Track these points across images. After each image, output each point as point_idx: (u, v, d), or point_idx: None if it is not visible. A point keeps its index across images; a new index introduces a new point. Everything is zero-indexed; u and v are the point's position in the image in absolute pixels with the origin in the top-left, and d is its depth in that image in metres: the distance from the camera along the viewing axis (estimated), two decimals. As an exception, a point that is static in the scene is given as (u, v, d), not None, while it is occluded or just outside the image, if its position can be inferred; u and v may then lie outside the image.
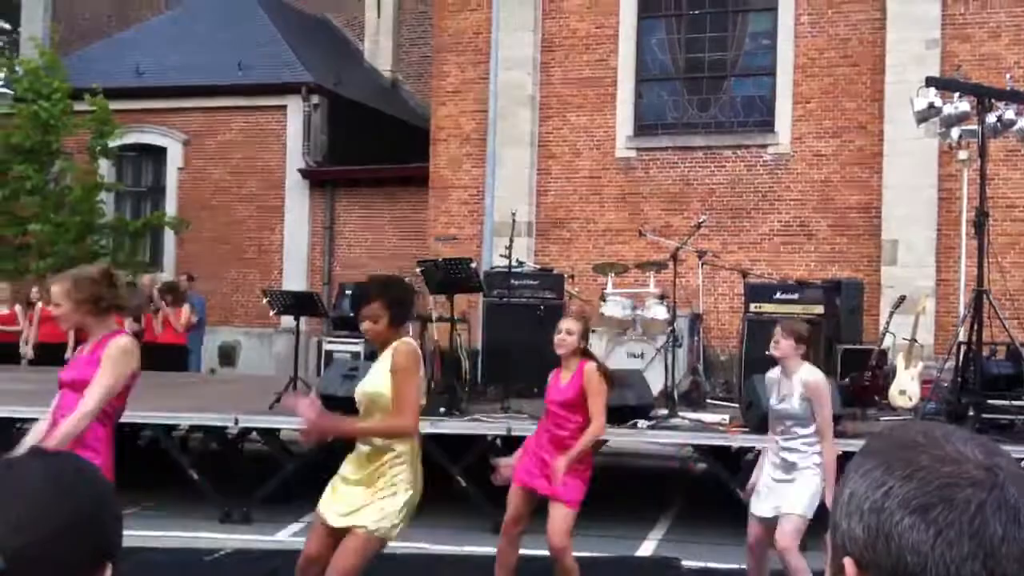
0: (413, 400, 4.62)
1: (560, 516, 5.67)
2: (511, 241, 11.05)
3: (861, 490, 1.06)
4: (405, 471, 4.66)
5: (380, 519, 4.58)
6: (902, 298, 10.52)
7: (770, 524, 5.77)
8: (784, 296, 10.83)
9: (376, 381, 4.65)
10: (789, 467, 5.77)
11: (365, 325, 4.72)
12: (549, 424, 5.93)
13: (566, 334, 5.92)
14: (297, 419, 9.38)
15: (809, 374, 5.80)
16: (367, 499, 4.62)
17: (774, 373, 6.01)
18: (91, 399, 4.40)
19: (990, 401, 8.77)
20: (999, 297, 9.55)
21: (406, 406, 4.58)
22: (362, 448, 4.69)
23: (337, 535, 4.65)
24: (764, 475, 5.94)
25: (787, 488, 5.74)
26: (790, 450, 5.80)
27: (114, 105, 17.89)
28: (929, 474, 1.02)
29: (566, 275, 11.57)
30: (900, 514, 1.02)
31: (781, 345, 5.78)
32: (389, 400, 4.58)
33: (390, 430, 4.62)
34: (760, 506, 5.85)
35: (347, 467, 4.79)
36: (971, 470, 1.03)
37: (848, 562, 1.05)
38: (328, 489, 4.84)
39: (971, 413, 8.77)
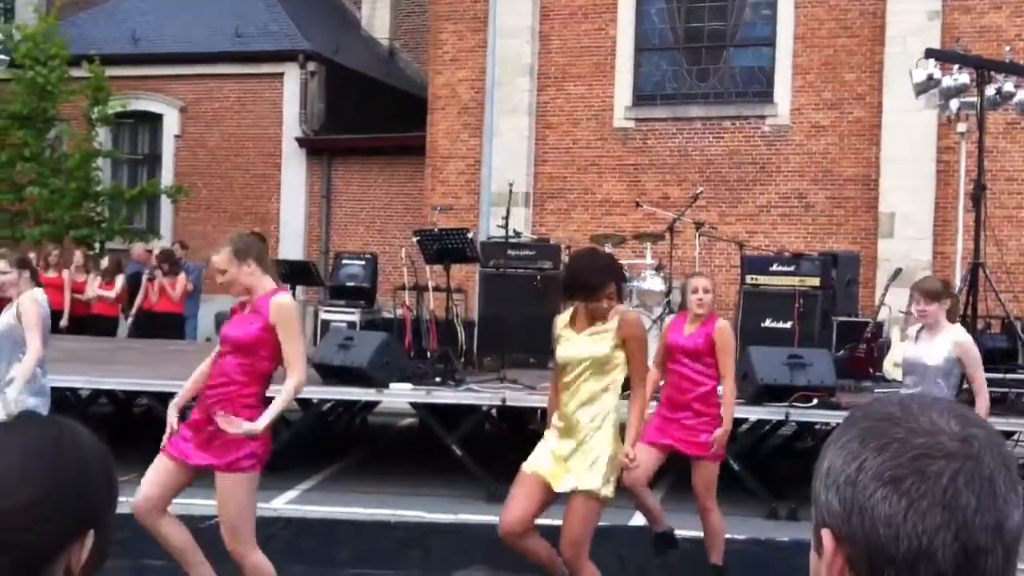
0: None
1: (709, 471, 6.03)
2: (508, 211, 11.04)
3: (837, 463, 1.06)
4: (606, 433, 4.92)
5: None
6: (898, 271, 10.53)
7: None
8: (781, 268, 10.83)
9: (594, 348, 4.89)
10: None
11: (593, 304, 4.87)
12: (671, 375, 6.15)
13: (703, 293, 6.08)
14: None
15: (961, 335, 6.04)
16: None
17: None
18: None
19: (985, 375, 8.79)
20: (995, 270, 9.56)
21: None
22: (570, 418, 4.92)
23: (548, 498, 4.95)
24: None
25: None
26: None
27: (111, 72, 17.81)
28: (902, 446, 1.02)
29: (563, 245, 11.56)
30: (873, 486, 1.02)
31: (928, 312, 5.92)
32: (612, 360, 4.87)
33: None
34: None
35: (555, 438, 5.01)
36: (945, 441, 1.02)
37: (826, 534, 1.05)
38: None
39: (964, 386, 8.79)
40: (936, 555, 0.99)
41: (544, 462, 4.98)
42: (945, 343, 5.88)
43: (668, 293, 10.38)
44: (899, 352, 9.59)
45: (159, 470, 4.91)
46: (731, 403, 6.16)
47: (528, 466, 5.03)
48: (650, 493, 6.26)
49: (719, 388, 6.17)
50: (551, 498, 5.00)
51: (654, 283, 10.51)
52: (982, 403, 5.91)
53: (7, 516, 1.23)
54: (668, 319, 6.13)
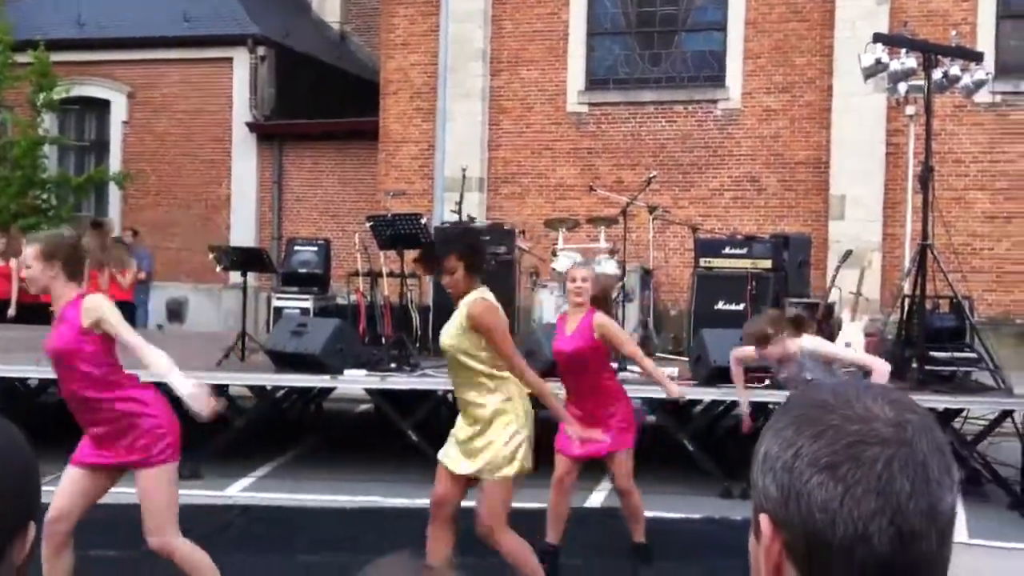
0: (511, 348, 4.94)
1: (622, 461, 6.03)
2: (461, 196, 11.01)
3: (774, 450, 1.07)
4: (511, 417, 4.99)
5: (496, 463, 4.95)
6: (848, 252, 10.64)
7: None
8: (733, 251, 10.92)
9: (453, 332, 4.92)
10: None
11: (444, 279, 4.96)
12: (567, 381, 6.14)
13: (581, 282, 5.97)
14: (242, 376, 9.35)
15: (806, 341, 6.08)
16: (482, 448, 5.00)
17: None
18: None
19: (932, 353, 8.94)
20: (943, 251, 9.68)
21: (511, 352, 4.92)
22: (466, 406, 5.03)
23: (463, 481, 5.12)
24: None
25: None
26: None
27: (56, 57, 17.50)
28: (837, 433, 1.03)
29: (517, 230, 11.55)
30: (809, 473, 1.03)
31: (770, 355, 6.00)
32: (470, 351, 4.88)
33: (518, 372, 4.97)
34: None
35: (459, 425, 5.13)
36: (879, 428, 1.03)
37: (764, 519, 1.06)
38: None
39: (914, 365, 8.93)
40: (872, 539, 1.01)
41: (449, 448, 5.18)
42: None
43: (622, 277, 10.42)
44: (850, 332, 9.72)
45: (74, 481, 4.70)
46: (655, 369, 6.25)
47: (440, 454, 5.24)
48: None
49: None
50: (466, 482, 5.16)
51: (608, 267, 10.54)
52: (880, 370, 5.90)
53: None
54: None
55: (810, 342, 6.04)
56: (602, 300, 6.23)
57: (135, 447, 4.62)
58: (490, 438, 4.97)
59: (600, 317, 6.06)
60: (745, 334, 6.02)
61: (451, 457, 5.13)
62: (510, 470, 4.99)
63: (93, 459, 4.69)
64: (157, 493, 4.66)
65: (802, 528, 1.02)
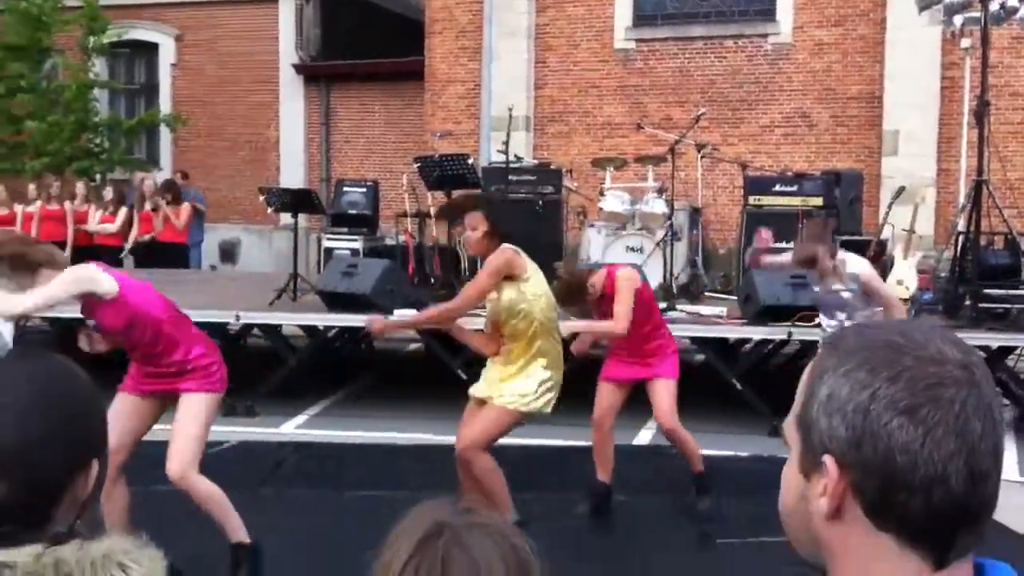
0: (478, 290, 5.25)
1: (667, 392, 6.06)
2: (508, 136, 10.96)
3: (843, 392, 1.07)
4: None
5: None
6: (901, 189, 10.49)
7: None
8: (783, 188, 10.80)
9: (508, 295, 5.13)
10: None
11: (467, 235, 5.18)
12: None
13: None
14: (295, 316, 9.47)
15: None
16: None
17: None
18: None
19: (986, 291, 8.83)
20: (999, 187, 9.52)
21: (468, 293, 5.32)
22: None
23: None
24: None
25: None
26: None
27: (104, 1, 17.57)
28: (915, 374, 1.04)
29: (564, 170, 11.50)
30: (888, 415, 1.04)
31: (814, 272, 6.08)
32: (523, 308, 5.12)
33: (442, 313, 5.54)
34: None
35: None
36: (952, 370, 1.05)
37: (829, 459, 1.06)
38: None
39: (967, 302, 8.83)
40: (950, 480, 1.03)
41: (481, 386, 5.45)
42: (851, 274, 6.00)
43: (670, 216, 10.36)
44: (902, 270, 9.62)
45: (125, 409, 4.77)
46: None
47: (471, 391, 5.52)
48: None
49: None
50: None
51: (656, 206, 10.48)
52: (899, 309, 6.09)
53: (23, 449, 1.26)
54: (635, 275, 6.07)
55: (856, 264, 6.07)
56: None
57: (185, 373, 4.73)
58: (529, 381, 5.22)
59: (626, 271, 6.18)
60: (795, 260, 6.01)
61: (479, 388, 5.42)
62: (525, 405, 5.17)
63: (153, 386, 4.80)
64: (197, 420, 4.72)
65: (879, 469, 1.04)
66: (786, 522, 1.15)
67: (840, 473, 1.06)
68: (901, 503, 1.04)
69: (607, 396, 6.17)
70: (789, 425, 1.14)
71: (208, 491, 4.73)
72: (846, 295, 5.95)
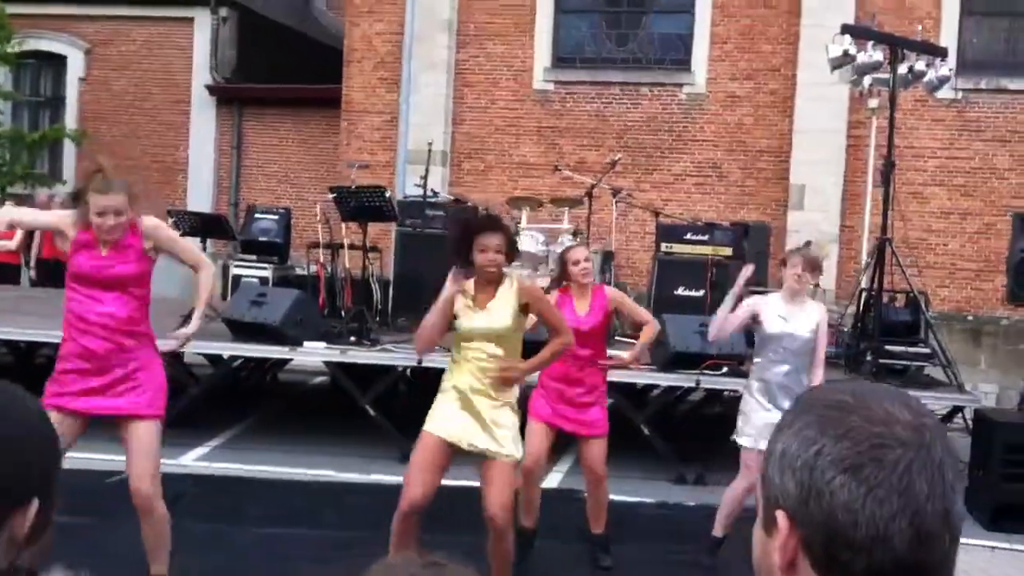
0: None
1: (601, 447, 6.06)
2: (427, 170, 10.93)
3: (793, 448, 1.09)
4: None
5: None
6: (808, 243, 10.71)
7: None
8: (694, 237, 10.96)
9: (504, 318, 4.90)
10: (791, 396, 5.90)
11: (490, 256, 4.84)
12: (565, 359, 5.91)
13: (584, 262, 6.03)
14: (199, 344, 9.21)
15: (822, 308, 6.11)
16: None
17: (773, 299, 6.05)
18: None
19: (887, 347, 9.07)
20: (900, 245, 9.81)
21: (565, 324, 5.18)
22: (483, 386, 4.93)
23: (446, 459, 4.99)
24: (760, 405, 5.93)
25: None
26: (794, 379, 5.89)
27: (13, 9, 17.09)
28: (860, 434, 1.06)
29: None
30: (832, 472, 1.05)
31: (804, 281, 5.92)
32: (517, 335, 4.97)
33: (562, 347, 5.12)
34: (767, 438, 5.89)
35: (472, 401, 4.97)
36: (899, 431, 1.06)
37: (780, 515, 1.08)
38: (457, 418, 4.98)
39: (868, 357, 9.05)
40: (892, 540, 1.03)
41: (448, 421, 4.97)
42: (812, 315, 5.97)
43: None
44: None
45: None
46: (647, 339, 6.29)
47: (435, 429, 5.00)
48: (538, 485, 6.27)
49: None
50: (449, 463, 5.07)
51: (529, 244, 10.53)
52: (820, 375, 6.01)
53: None
54: (552, 297, 6.04)
55: (824, 309, 6.19)
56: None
57: (146, 396, 4.78)
58: (511, 419, 4.98)
59: (612, 291, 6.23)
60: (803, 258, 5.97)
61: (471, 433, 4.93)
62: (519, 452, 5.04)
63: (97, 407, 4.75)
64: (154, 445, 4.80)
65: (823, 526, 1.05)
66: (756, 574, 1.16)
67: (790, 528, 1.07)
68: (844, 561, 1.04)
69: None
70: (757, 482, 1.16)
71: (166, 515, 4.87)
72: (803, 335, 5.94)
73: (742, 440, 5.96)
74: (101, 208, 4.62)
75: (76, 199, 4.89)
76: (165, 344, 5.09)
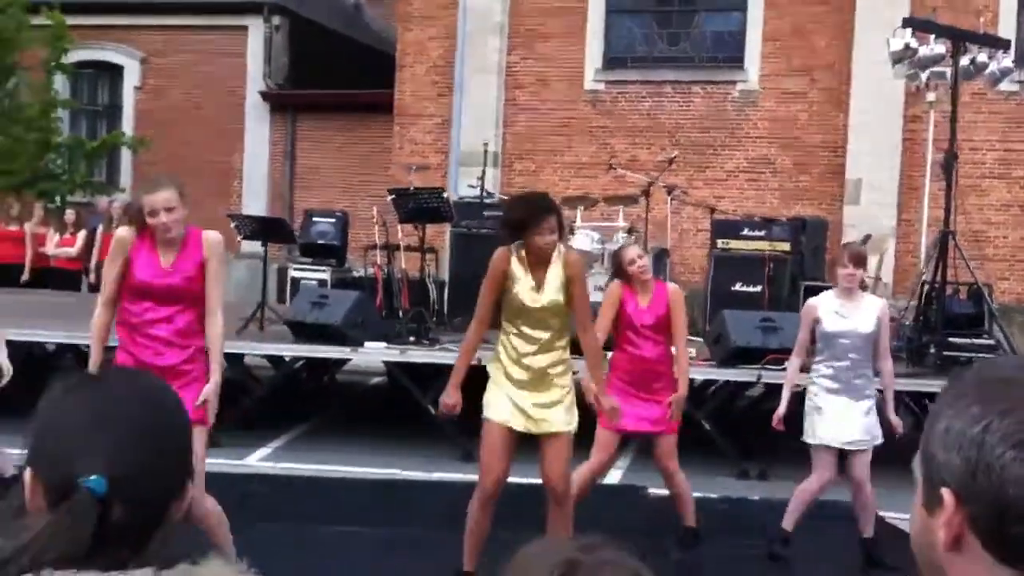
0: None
1: (672, 444, 6.13)
2: (483, 171, 10.99)
3: (958, 425, 1.09)
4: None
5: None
6: (867, 237, 10.66)
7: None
8: (751, 233, 10.92)
9: (553, 288, 4.99)
10: (861, 392, 5.96)
11: (547, 238, 4.93)
12: (634, 352, 6.01)
13: (640, 260, 6.08)
14: (261, 346, 9.35)
15: (880, 301, 6.17)
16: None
17: (828, 297, 6.09)
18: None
19: (951, 339, 8.97)
20: (960, 238, 9.69)
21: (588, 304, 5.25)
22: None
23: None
24: (831, 401, 5.95)
25: (868, 417, 5.95)
26: (860, 375, 5.95)
27: (71, 21, 17.40)
28: None
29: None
30: (1001, 448, 1.05)
31: (856, 276, 5.95)
32: (568, 309, 5.04)
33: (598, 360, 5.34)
34: (841, 435, 5.93)
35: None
36: None
37: (946, 492, 1.08)
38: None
39: (932, 350, 8.96)
40: None
41: (516, 414, 5.05)
42: (871, 309, 5.95)
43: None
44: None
45: None
46: (687, 366, 6.31)
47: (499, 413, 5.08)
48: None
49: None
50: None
51: (583, 243, 10.54)
52: (890, 366, 6.09)
53: (139, 471, 1.23)
54: (615, 291, 6.07)
55: (883, 302, 6.21)
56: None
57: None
58: (568, 396, 5.09)
59: (675, 290, 6.20)
60: (850, 254, 6.02)
61: (544, 422, 5.05)
62: (575, 421, 5.14)
63: None
64: (202, 452, 4.72)
65: (993, 502, 1.05)
66: (916, 556, 1.17)
67: (956, 505, 1.07)
68: (1016, 536, 1.04)
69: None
70: (915, 461, 1.15)
71: (220, 514, 4.84)
72: (865, 330, 5.94)
73: (814, 440, 5.96)
74: (152, 206, 4.62)
75: (131, 221, 4.88)
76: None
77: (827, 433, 5.90)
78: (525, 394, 5.04)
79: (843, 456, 6.02)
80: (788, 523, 6.16)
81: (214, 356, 4.80)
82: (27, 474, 1.27)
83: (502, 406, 5.05)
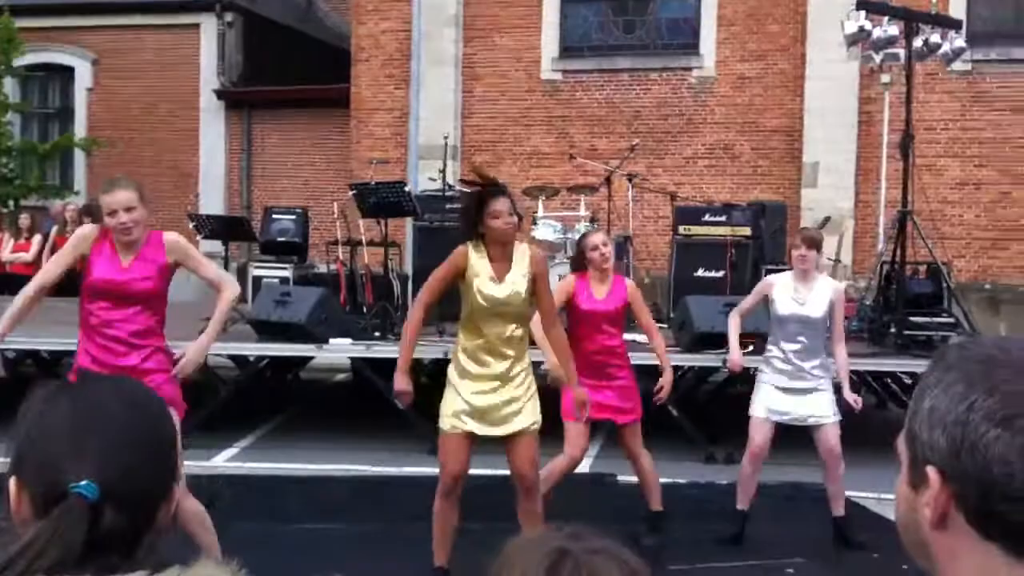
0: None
1: (637, 429, 6.19)
2: (444, 164, 10.96)
3: (943, 404, 1.09)
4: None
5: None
6: (827, 219, 10.75)
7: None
8: (712, 218, 10.97)
9: (522, 286, 4.94)
10: (809, 374, 6.06)
11: (505, 219, 4.87)
12: (589, 343, 5.98)
13: (603, 248, 6.05)
14: (226, 346, 9.26)
15: (835, 282, 6.32)
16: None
17: (785, 279, 6.18)
18: None
19: (911, 318, 9.07)
20: (917, 217, 9.80)
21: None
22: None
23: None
24: (775, 379, 6.10)
25: (819, 396, 6.06)
26: (811, 357, 6.06)
27: (20, 23, 17.14)
28: (1012, 388, 1.06)
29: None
30: (985, 426, 1.06)
31: (808, 258, 6.03)
32: (532, 306, 5.01)
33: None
34: (778, 406, 6.05)
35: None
36: None
37: (932, 470, 1.09)
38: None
39: (892, 330, 9.06)
40: None
41: (476, 419, 5.01)
42: (824, 292, 6.04)
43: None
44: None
45: None
46: (665, 352, 6.34)
47: (455, 424, 5.02)
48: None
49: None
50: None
51: (545, 233, 10.58)
52: (842, 349, 6.19)
53: (129, 474, 1.22)
54: (569, 281, 6.08)
55: (838, 283, 6.35)
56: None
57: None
58: (530, 391, 5.07)
59: (631, 285, 6.22)
60: (803, 237, 6.14)
61: (509, 421, 5.03)
62: (538, 417, 5.13)
63: None
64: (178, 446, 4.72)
65: (977, 480, 1.05)
66: (901, 533, 1.17)
67: (942, 483, 1.08)
68: (1001, 513, 1.05)
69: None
70: (900, 440, 1.16)
71: (200, 512, 4.87)
72: (816, 315, 6.01)
73: (752, 412, 6.14)
74: (110, 207, 4.58)
75: (89, 214, 4.86)
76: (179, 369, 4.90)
77: (761, 404, 6.11)
78: (488, 395, 4.98)
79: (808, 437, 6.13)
80: (742, 503, 6.29)
81: (214, 319, 5.00)
82: (11, 483, 1.25)
83: (460, 416, 4.99)
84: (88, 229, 4.82)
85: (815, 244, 6.14)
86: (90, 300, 4.70)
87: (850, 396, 6.11)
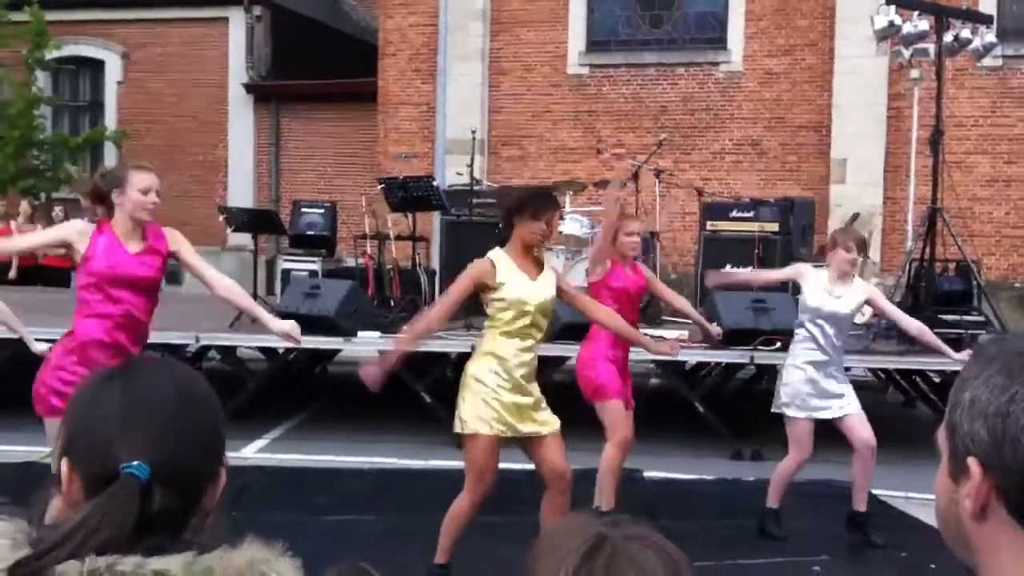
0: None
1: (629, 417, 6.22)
2: (472, 158, 10.97)
3: (984, 396, 1.10)
4: None
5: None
6: (856, 215, 10.70)
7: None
8: (740, 214, 10.96)
9: (547, 286, 5.04)
10: (836, 368, 6.13)
11: (543, 229, 5.00)
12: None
13: (637, 236, 6.24)
14: (255, 338, 9.34)
15: (868, 284, 6.43)
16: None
17: (821, 275, 6.16)
18: None
19: (940, 316, 9.02)
20: (948, 213, 9.75)
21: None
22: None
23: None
24: (807, 377, 6.06)
25: (845, 387, 6.13)
26: (837, 351, 6.11)
27: (50, 16, 17.30)
28: None
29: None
30: None
31: (856, 262, 6.07)
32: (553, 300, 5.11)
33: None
34: (821, 408, 6.05)
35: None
36: None
37: (973, 462, 1.10)
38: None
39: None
40: None
41: (505, 422, 4.97)
42: (859, 291, 6.08)
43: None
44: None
45: None
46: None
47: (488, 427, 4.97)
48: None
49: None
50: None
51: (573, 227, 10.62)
52: (912, 320, 6.36)
53: (178, 457, 1.25)
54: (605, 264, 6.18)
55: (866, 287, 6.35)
56: None
57: None
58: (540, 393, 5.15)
59: (644, 267, 6.47)
60: (856, 240, 6.11)
61: (544, 422, 5.07)
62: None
63: None
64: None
65: (1018, 471, 1.07)
66: (941, 526, 1.18)
67: (983, 475, 1.09)
68: None
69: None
70: (940, 432, 1.17)
71: None
72: (845, 311, 6.03)
73: (789, 411, 6.06)
74: (147, 185, 4.62)
75: (99, 199, 4.79)
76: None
77: (799, 407, 6.04)
78: (519, 397, 4.98)
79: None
80: (773, 501, 6.29)
81: (249, 304, 5.14)
82: (64, 464, 1.29)
83: (489, 418, 4.94)
84: (82, 226, 4.80)
85: (865, 248, 6.19)
86: (95, 290, 4.66)
87: (956, 355, 6.19)
